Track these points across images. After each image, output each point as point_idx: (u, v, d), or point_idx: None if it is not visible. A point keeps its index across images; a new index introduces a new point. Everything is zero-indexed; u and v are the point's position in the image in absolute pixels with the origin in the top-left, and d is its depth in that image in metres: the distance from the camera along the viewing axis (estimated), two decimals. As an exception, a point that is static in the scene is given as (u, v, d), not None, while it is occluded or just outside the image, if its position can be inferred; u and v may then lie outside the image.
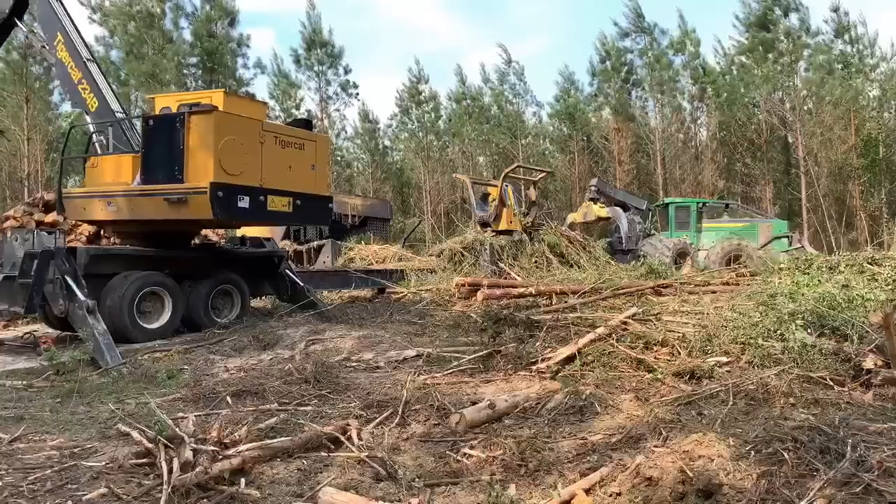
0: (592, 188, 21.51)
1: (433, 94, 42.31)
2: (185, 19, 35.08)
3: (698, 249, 20.69)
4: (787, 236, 21.39)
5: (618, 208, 21.13)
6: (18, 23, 10.53)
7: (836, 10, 34.14)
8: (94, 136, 10.08)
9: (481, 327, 7.77)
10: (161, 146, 8.72)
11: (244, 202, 8.75)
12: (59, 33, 10.06)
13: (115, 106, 10.01)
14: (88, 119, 10.18)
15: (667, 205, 23.02)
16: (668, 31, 37.29)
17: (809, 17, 34.28)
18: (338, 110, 40.83)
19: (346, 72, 38.87)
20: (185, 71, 35.00)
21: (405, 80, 43.71)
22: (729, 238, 20.54)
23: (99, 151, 9.92)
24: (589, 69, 39.89)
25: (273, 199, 9.15)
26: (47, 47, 10.27)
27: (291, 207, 9.39)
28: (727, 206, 25.84)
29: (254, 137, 8.92)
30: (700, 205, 23.04)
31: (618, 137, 36.68)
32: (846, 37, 34.55)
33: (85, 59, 10.05)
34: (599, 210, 20.79)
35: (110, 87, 10.35)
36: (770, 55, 34.67)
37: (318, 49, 38.01)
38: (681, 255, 19.77)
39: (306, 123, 10.74)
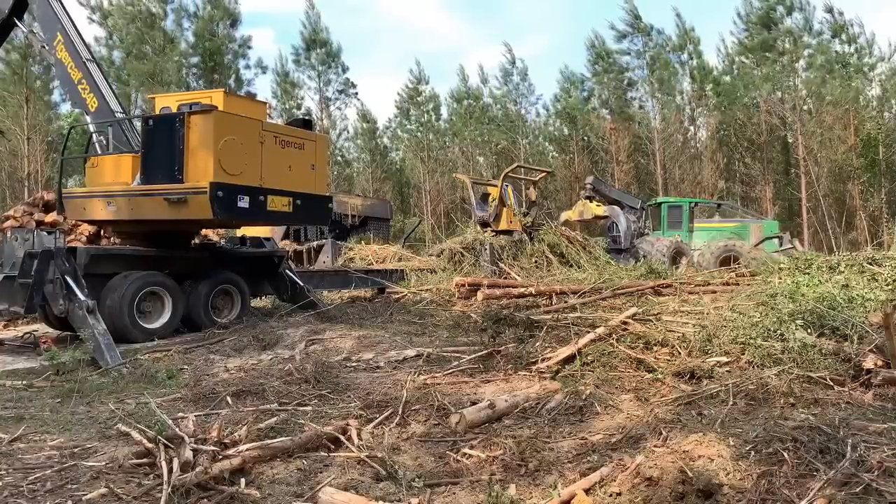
0: (588, 186, 21.50)
1: (433, 94, 42.41)
2: (188, 20, 35.17)
3: (691, 249, 20.75)
4: (779, 237, 21.47)
5: (616, 207, 21.14)
6: (18, 23, 10.51)
7: (829, 10, 34.33)
8: (94, 136, 10.07)
9: (481, 327, 7.77)
10: (161, 146, 8.71)
11: (244, 202, 8.75)
12: (58, 33, 10.05)
13: (114, 106, 10.00)
14: (88, 119, 10.17)
15: (659, 204, 23.02)
16: (664, 30, 37.39)
17: (813, 16, 34.36)
18: (339, 109, 40.81)
19: (344, 70, 38.91)
20: (185, 71, 35.02)
21: (406, 80, 43.75)
22: (728, 238, 20.57)
23: (99, 151, 9.92)
24: (575, 77, 40.13)
25: (273, 198, 9.14)
26: (47, 47, 10.26)
27: (291, 207, 9.39)
28: (719, 206, 25.86)
29: (254, 137, 8.92)
30: (692, 204, 23.09)
31: (615, 137, 36.67)
32: (843, 36, 34.65)
33: (85, 60, 10.03)
34: (597, 208, 20.77)
35: (110, 87, 10.34)
36: (769, 54, 34.66)
37: (318, 48, 38.01)
38: (677, 255, 19.82)
39: (306, 123, 10.73)
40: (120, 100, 10.60)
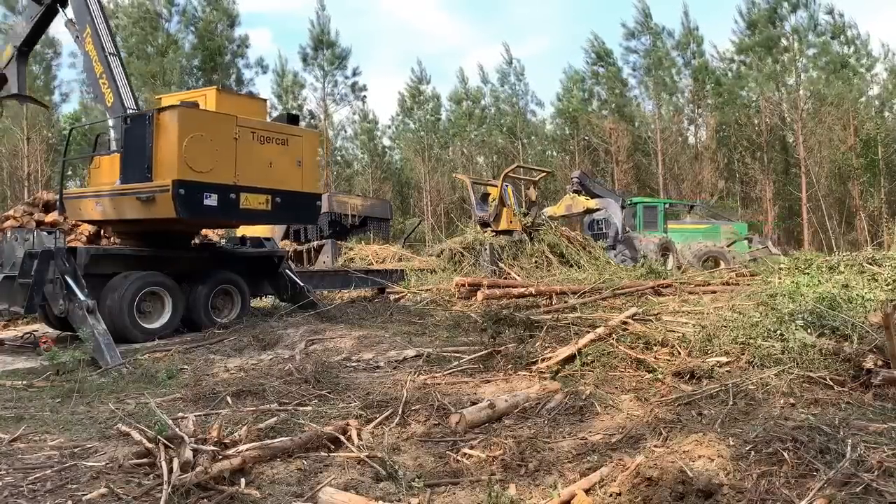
0: (575, 180, 21.50)
1: (435, 94, 42.45)
2: (190, 22, 35.19)
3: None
4: (748, 238, 21.74)
5: (611, 201, 21.17)
6: (61, 9, 10.40)
7: (830, 12, 34.44)
8: (105, 133, 10.00)
9: (481, 327, 7.76)
10: (134, 145, 8.66)
11: (211, 200, 8.56)
12: (87, 25, 9.89)
13: (128, 102, 9.77)
14: (108, 114, 10.08)
15: (634, 204, 23.06)
16: (674, 31, 37.42)
17: (818, 14, 34.38)
18: (349, 103, 40.59)
19: (355, 73, 38.83)
20: (187, 71, 35.02)
21: (407, 80, 43.86)
22: (700, 240, 20.80)
23: (112, 148, 9.83)
24: (577, 74, 40.10)
25: (247, 196, 8.96)
26: (80, 38, 10.15)
27: (270, 205, 9.21)
28: (692, 207, 26.02)
29: (226, 134, 8.76)
30: (667, 205, 23.25)
31: (615, 137, 36.67)
32: (842, 38, 34.74)
33: (108, 53, 9.89)
34: (587, 202, 20.72)
35: (128, 82, 10.16)
36: (772, 53, 34.65)
37: (325, 49, 37.94)
38: (665, 252, 19.97)
39: (291, 118, 10.59)
40: (136, 96, 10.39)
